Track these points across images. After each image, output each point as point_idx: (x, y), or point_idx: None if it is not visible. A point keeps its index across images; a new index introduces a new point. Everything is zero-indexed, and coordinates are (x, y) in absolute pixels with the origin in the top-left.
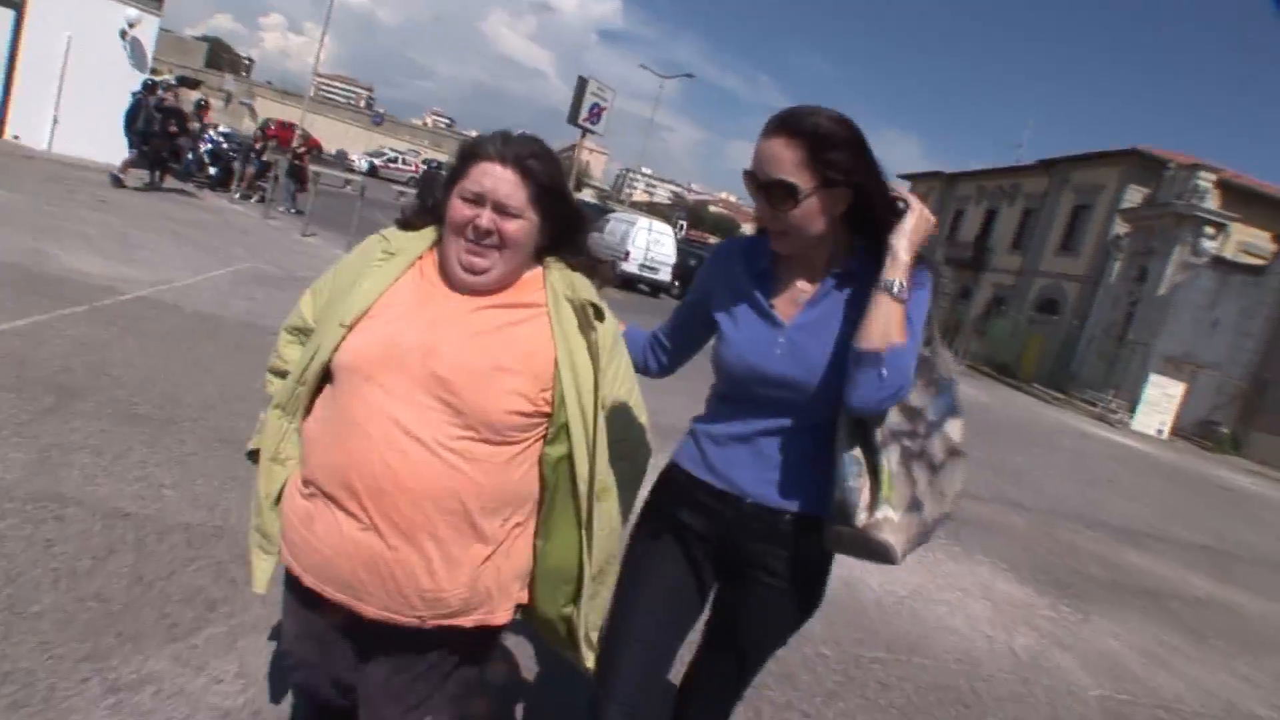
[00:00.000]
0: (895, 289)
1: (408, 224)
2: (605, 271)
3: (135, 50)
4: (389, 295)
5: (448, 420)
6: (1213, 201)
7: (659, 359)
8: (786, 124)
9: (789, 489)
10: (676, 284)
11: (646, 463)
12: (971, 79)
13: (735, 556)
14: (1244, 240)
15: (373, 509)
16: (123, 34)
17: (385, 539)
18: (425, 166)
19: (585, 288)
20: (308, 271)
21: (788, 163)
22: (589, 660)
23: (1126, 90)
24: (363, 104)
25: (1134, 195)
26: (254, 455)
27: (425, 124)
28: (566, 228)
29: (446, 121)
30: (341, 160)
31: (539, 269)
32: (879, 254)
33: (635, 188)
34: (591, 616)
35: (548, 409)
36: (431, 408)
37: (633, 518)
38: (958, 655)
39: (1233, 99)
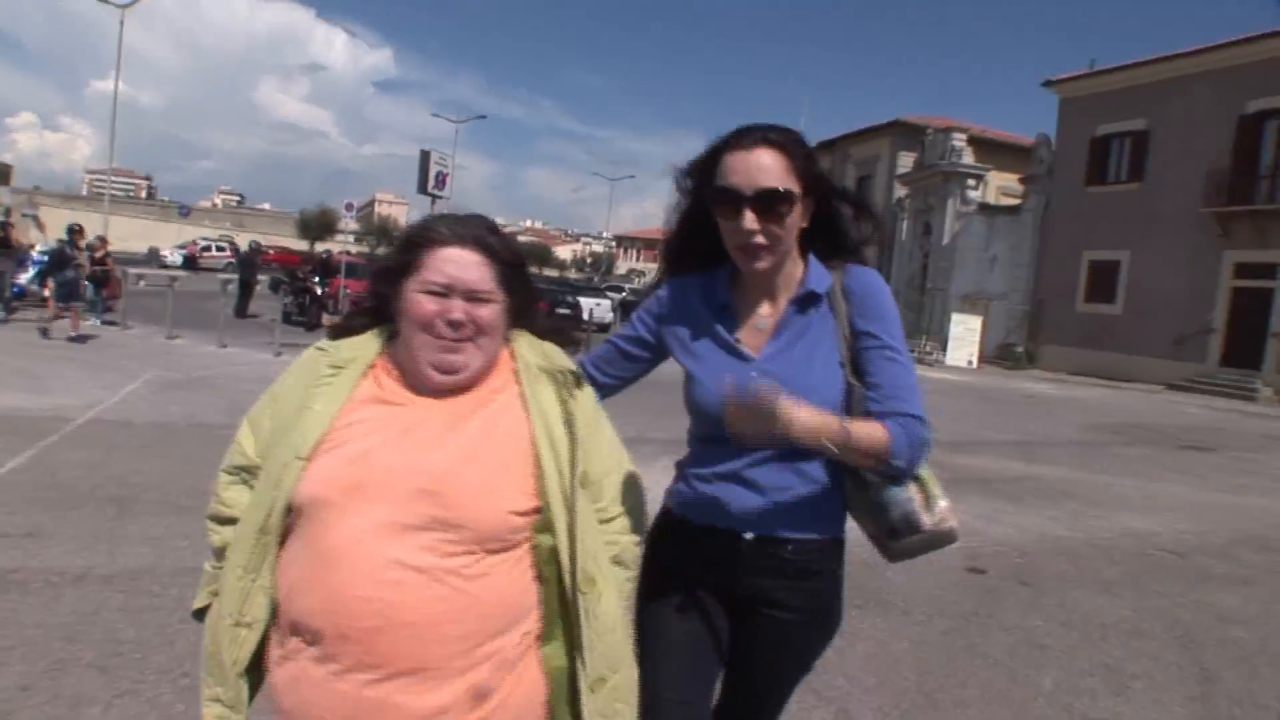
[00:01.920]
0: (835, 441)
1: (346, 330)
2: (571, 333)
3: None
4: (346, 413)
5: (442, 538)
6: (969, 157)
7: (601, 382)
8: (766, 136)
9: (787, 518)
10: None
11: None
12: (744, 68)
13: (742, 596)
14: (1002, 184)
15: (372, 652)
16: None
17: (391, 684)
18: (250, 245)
19: (559, 355)
20: (202, 371)
21: (777, 170)
22: None
23: (885, 64)
24: (143, 194)
25: (906, 161)
26: (201, 613)
27: (215, 204)
28: (528, 298)
29: (236, 199)
30: (155, 257)
31: (504, 346)
32: (831, 270)
33: None
34: None
35: (538, 500)
36: (422, 528)
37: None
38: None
39: (971, 62)
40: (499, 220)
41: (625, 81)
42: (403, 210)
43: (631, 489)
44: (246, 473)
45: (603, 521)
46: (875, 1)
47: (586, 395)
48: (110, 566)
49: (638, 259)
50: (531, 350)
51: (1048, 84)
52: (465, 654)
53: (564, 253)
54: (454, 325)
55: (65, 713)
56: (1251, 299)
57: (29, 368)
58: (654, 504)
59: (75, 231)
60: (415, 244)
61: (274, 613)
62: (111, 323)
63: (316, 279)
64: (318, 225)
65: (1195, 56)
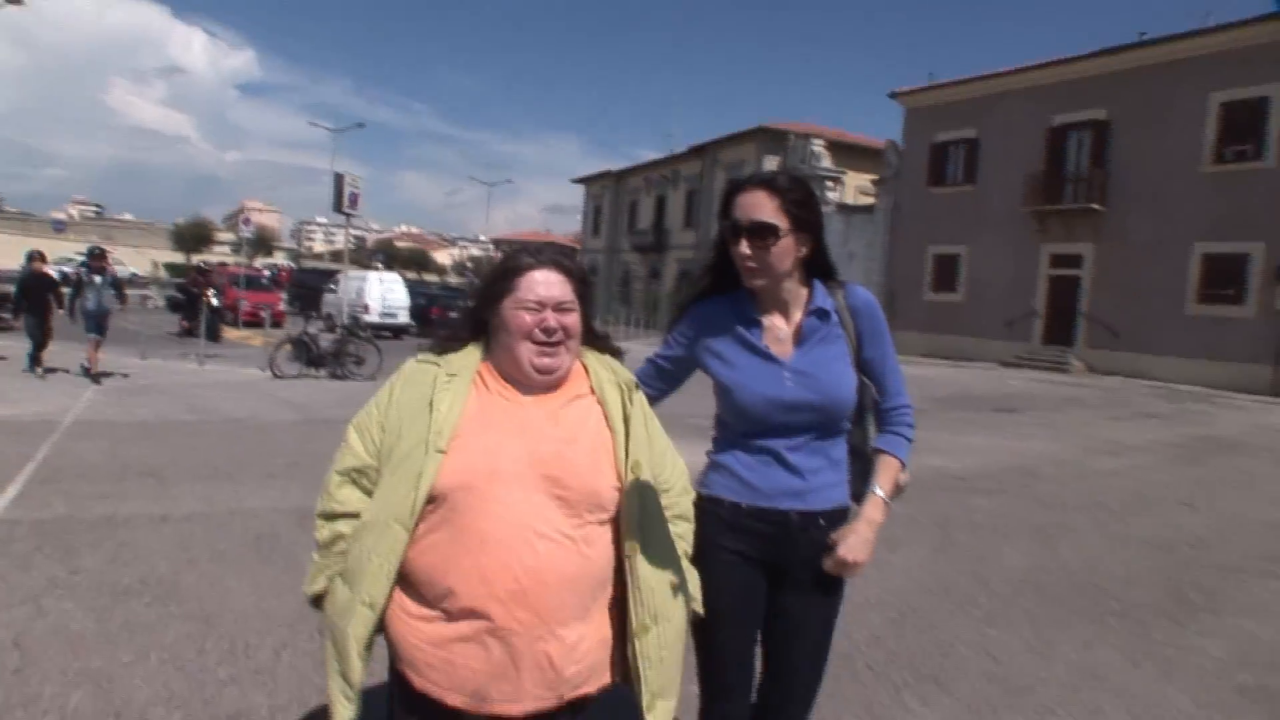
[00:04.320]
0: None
1: (451, 345)
2: (617, 347)
3: None
4: (468, 412)
5: (563, 513)
6: (827, 160)
7: (660, 385)
8: (765, 181)
9: (822, 494)
10: (414, 324)
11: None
12: (616, 73)
13: (784, 563)
14: (860, 184)
15: (519, 610)
16: None
17: (534, 634)
18: (199, 265)
19: (620, 368)
20: (144, 381)
21: (768, 208)
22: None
23: (752, 70)
24: None
25: (771, 164)
26: (317, 600)
27: (72, 216)
28: (590, 308)
29: (95, 209)
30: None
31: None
32: (831, 292)
33: (314, 239)
34: (651, 675)
35: (619, 480)
36: (548, 505)
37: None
38: None
39: (829, 70)
40: (374, 225)
41: (498, 83)
42: (274, 218)
43: (678, 465)
44: (358, 473)
45: (663, 491)
46: (742, 12)
47: (640, 399)
48: (178, 511)
49: None
50: (599, 362)
51: (893, 95)
52: (586, 605)
53: (443, 257)
54: (548, 331)
55: (210, 586)
56: (1064, 285)
57: None
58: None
59: (97, 255)
60: (509, 272)
61: (390, 591)
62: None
63: (212, 292)
64: (192, 237)
65: (1013, 75)
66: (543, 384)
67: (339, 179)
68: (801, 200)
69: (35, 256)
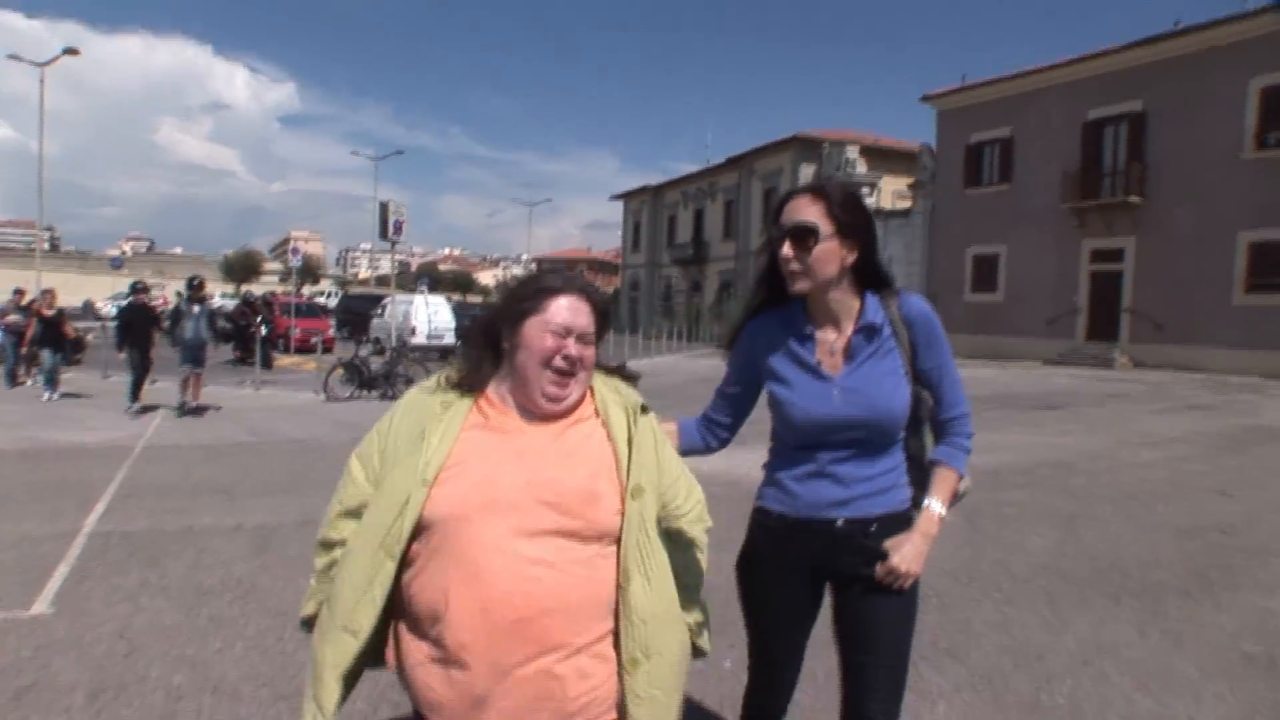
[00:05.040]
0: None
1: (464, 371)
2: (631, 372)
3: None
4: (463, 441)
5: (565, 540)
6: (862, 166)
7: (718, 436)
8: (811, 187)
9: (871, 500)
10: (460, 344)
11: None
12: (651, 89)
13: (836, 571)
14: (896, 189)
15: (519, 642)
16: None
17: (537, 666)
18: (245, 296)
19: (629, 392)
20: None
21: (812, 211)
22: None
23: (785, 78)
24: (45, 245)
25: (807, 172)
26: (309, 623)
27: (126, 252)
28: (603, 341)
29: (146, 244)
30: (89, 310)
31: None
32: (884, 303)
33: (359, 265)
34: (640, 714)
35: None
36: (548, 532)
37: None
38: None
39: (862, 75)
40: (417, 249)
41: (533, 104)
42: (318, 247)
43: (694, 492)
44: (358, 504)
45: (677, 517)
46: (772, 21)
47: (647, 421)
48: (249, 522)
49: None
50: (605, 385)
51: (926, 99)
52: (590, 630)
53: (486, 278)
54: (569, 360)
55: (292, 574)
56: (1107, 280)
57: (56, 413)
58: (724, 487)
59: (196, 285)
60: (538, 292)
61: (382, 623)
62: (71, 394)
63: (260, 320)
64: (242, 267)
65: (1045, 72)
66: (550, 411)
67: (383, 207)
68: (847, 204)
69: (140, 289)
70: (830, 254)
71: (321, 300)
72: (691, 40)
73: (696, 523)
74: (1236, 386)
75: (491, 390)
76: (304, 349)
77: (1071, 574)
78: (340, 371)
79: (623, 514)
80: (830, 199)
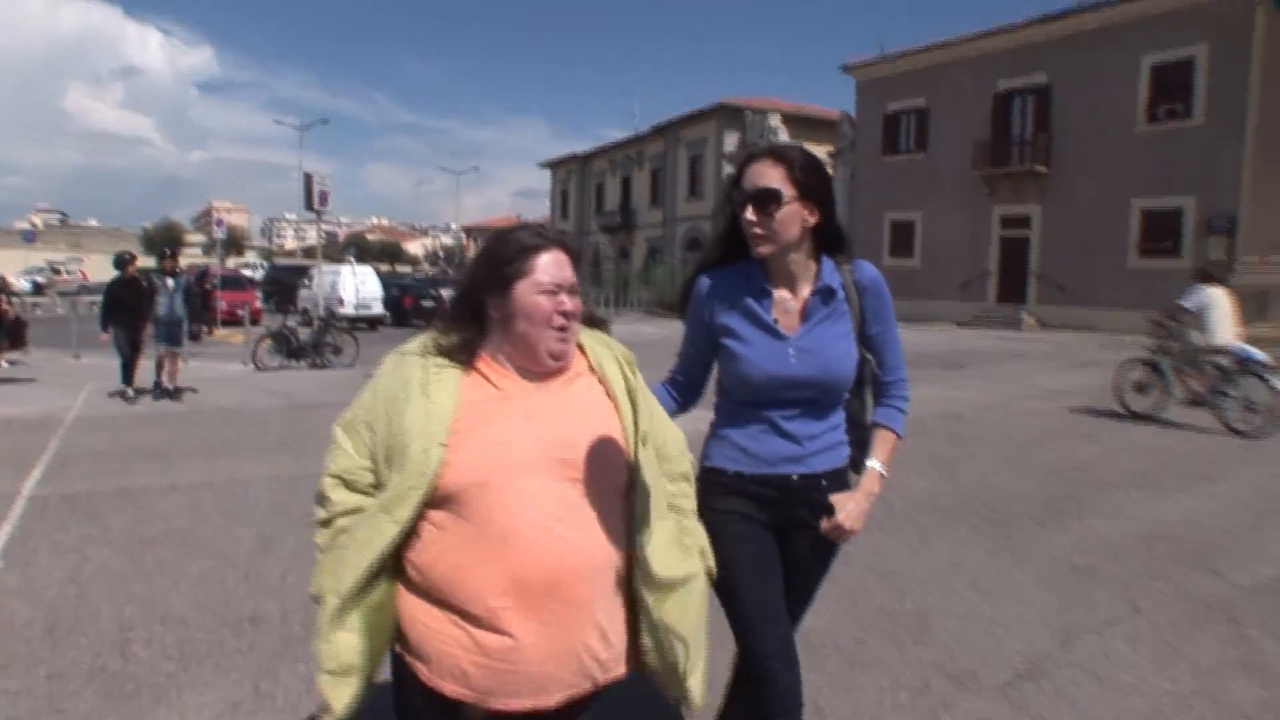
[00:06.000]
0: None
1: (448, 338)
2: (599, 318)
3: None
4: (467, 406)
5: (583, 496)
6: (785, 134)
7: (679, 399)
8: (773, 151)
9: (820, 457)
10: (388, 315)
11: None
12: (580, 55)
13: (787, 523)
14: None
15: (550, 602)
16: None
17: (567, 624)
18: (200, 268)
19: (615, 342)
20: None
21: (774, 176)
22: (693, 695)
23: (711, 45)
24: None
25: (731, 140)
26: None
27: (36, 224)
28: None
29: (59, 217)
30: (2, 286)
31: None
32: (839, 267)
33: (285, 236)
34: (677, 641)
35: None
36: (565, 490)
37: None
38: None
39: (784, 42)
40: (344, 219)
41: (461, 70)
42: (243, 217)
43: (675, 430)
44: (351, 474)
45: (670, 477)
46: None
47: (639, 375)
48: (184, 481)
49: None
50: (593, 338)
51: (846, 69)
52: (614, 586)
53: (414, 248)
54: (569, 315)
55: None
56: (1015, 245)
57: None
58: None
59: (168, 256)
60: (521, 251)
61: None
62: (13, 361)
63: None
64: (163, 240)
65: (959, 45)
66: (553, 369)
67: (308, 178)
68: (807, 168)
69: (128, 259)
70: (793, 217)
71: (248, 272)
72: (620, 4)
73: (681, 457)
74: (1129, 345)
75: (485, 355)
76: (230, 321)
77: (943, 507)
78: (269, 342)
79: (629, 464)
80: (792, 163)
